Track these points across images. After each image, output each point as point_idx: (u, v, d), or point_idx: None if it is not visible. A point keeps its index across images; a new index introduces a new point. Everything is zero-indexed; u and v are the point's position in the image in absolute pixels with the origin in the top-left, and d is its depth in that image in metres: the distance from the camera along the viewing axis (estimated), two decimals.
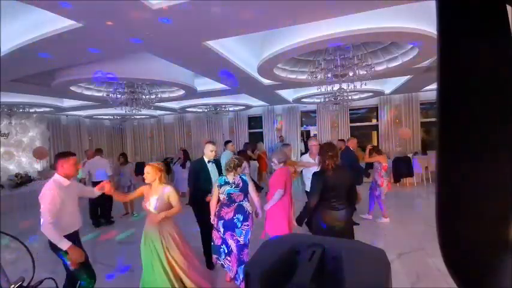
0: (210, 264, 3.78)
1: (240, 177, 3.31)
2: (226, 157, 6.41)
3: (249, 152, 8.53)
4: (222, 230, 3.24)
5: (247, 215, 3.27)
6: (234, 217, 3.22)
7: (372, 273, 0.62)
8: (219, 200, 3.33)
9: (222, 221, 3.24)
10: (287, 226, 3.55)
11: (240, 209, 3.26)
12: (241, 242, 3.22)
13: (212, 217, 3.34)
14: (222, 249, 3.28)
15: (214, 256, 3.43)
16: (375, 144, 10.61)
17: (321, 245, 0.70)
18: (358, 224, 4.91)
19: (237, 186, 3.27)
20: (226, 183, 3.29)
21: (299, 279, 0.61)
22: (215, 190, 3.33)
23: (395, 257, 3.90)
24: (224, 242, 3.26)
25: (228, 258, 3.26)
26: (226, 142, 6.86)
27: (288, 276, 0.62)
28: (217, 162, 4.05)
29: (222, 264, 3.35)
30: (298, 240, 0.76)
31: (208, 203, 3.52)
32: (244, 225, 3.25)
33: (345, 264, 0.63)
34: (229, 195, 3.25)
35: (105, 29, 3.51)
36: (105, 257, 4.38)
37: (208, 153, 3.88)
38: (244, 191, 3.29)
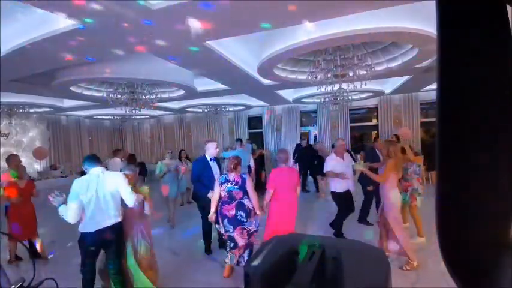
0: (208, 251, 4.24)
1: (240, 175, 3.43)
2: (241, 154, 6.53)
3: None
4: (230, 228, 3.33)
5: (249, 212, 3.38)
6: (237, 214, 3.33)
7: (372, 273, 0.61)
8: (220, 197, 3.45)
9: (227, 219, 3.34)
10: (283, 229, 3.40)
11: (241, 206, 3.36)
12: (253, 230, 3.39)
13: (212, 214, 3.47)
14: (228, 243, 3.40)
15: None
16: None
17: (321, 245, 0.70)
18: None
19: (236, 184, 3.38)
20: (227, 181, 3.41)
21: (299, 279, 0.61)
22: (216, 187, 3.46)
23: (395, 257, 3.89)
24: (230, 238, 3.35)
25: (233, 251, 3.37)
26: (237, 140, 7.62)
27: (288, 276, 0.62)
28: (218, 160, 4.30)
29: (225, 260, 3.45)
30: (298, 240, 0.75)
31: (209, 199, 3.67)
32: (250, 219, 3.39)
33: (345, 264, 0.63)
34: (229, 192, 3.37)
35: (105, 29, 3.51)
36: None
37: (212, 151, 4.11)
38: (243, 188, 3.40)
